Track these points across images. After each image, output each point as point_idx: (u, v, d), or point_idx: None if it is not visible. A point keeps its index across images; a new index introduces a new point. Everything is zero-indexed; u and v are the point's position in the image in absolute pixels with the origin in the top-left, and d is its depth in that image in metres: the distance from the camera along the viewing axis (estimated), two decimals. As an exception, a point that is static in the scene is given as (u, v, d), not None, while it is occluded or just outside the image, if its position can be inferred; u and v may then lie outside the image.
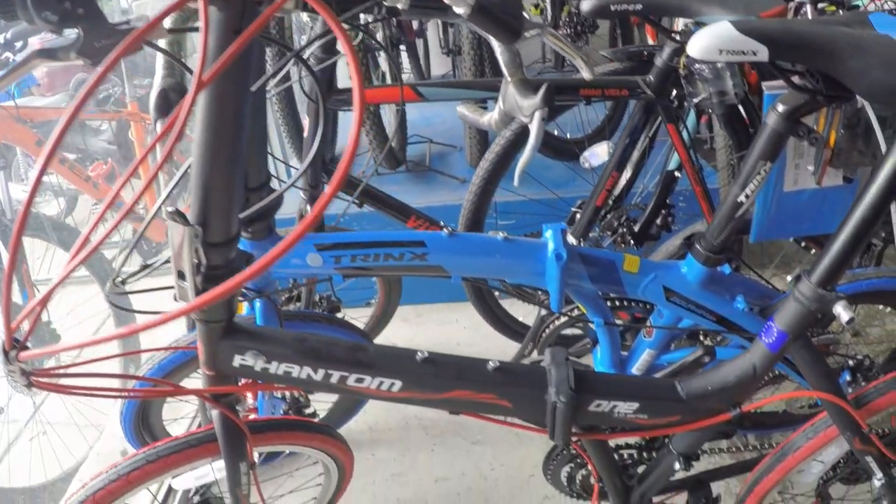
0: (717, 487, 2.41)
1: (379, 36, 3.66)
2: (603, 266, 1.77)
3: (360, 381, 1.37)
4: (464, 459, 2.79)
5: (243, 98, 1.08)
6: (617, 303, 2.21)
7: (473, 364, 1.45)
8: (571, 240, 2.52)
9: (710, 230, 1.74)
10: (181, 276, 1.19)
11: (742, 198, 1.65)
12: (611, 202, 2.63)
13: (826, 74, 1.43)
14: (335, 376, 1.36)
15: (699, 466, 2.20)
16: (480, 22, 1.43)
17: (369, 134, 3.41)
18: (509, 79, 1.68)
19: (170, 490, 2.17)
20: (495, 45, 1.66)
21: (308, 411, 2.44)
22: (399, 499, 2.65)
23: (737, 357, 1.54)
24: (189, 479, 1.78)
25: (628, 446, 2.00)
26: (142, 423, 2.28)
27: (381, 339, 3.15)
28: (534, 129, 1.63)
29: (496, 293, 2.97)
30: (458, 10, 1.38)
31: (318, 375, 1.36)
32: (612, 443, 1.96)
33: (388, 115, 3.88)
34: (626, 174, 2.61)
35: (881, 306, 3.07)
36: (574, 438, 1.67)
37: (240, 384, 1.45)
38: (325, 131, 2.30)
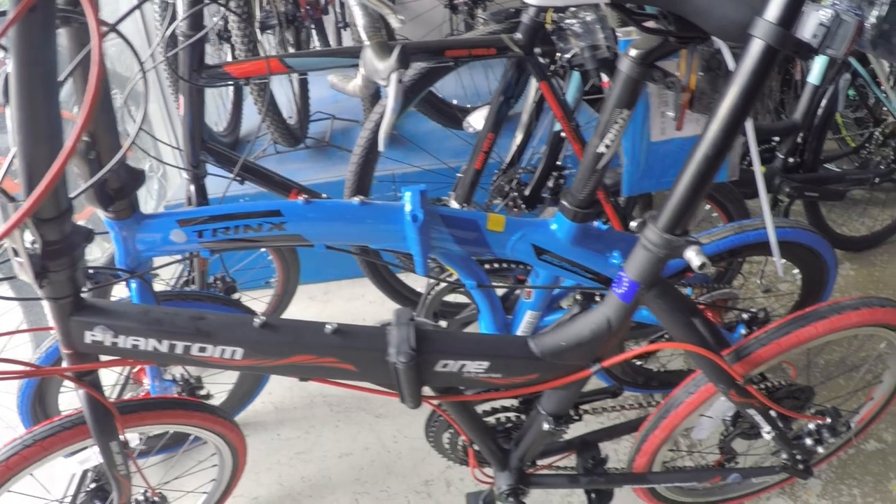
0: (610, 448, 2.42)
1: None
2: (465, 226, 1.72)
3: (203, 350, 1.35)
4: (367, 433, 2.77)
5: (49, 76, 1.05)
6: (496, 265, 2.19)
7: (311, 328, 1.42)
8: (454, 205, 2.51)
9: (574, 184, 1.73)
10: (16, 252, 1.17)
11: (602, 148, 1.62)
12: (506, 166, 2.62)
13: (677, 15, 1.42)
14: (179, 347, 1.34)
15: (588, 427, 2.21)
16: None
17: (262, 113, 3.36)
18: (367, 42, 1.66)
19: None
20: (355, 9, 1.64)
21: (202, 393, 2.42)
22: (304, 477, 2.62)
23: (591, 311, 1.52)
24: (76, 462, 1.77)
25: (505, 409, 1.98)
26: (39, 407, 2.26)
27: (287, 317, 3.10)
28: (391, 91, 1.61)
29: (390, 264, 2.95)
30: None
31: (164, 347, 1.34)
32: (488, 406, 1.95)
33: (290, 92, 3.83)
34: (518, 136, 2.59)
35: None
36: (437, 402, 1.65)
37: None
38: (198, 109, 2.27)
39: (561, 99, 2.40)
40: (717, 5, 1.24)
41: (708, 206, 2.67)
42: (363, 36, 1.66)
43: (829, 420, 1.98)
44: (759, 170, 1.56)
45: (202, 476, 2.27)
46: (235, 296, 2.85)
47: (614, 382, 2.44)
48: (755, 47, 1.15)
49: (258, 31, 3.55)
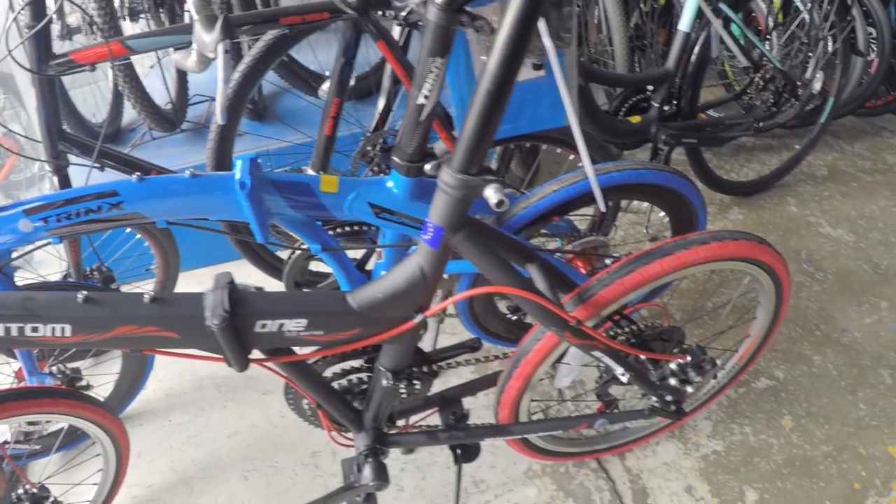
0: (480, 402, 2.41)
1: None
2: (297, 190, 1.69)
3: (35, 330, 1.32)
4: (254, 411, 2.76)
5: None
6: (352, 228, 2.16)
7: (131, 298, 1.39)
8: (310, 173, 2.47)
9: (401, 139, 1.70)
10: None
11: (421, 99, 1.59)
12: (371, 131, 2.58)
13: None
14: (13, 329, 1.31)
15: (449, 383, 2.19)
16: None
17: (129, 99, 3.30)
18: (195, 17, 1.62)
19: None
20: None
21: (82, 384, 2.41)
22: (195, 459, 2.60)
23: (404, 261, 1.50)
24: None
25: (355, 370, 1.96)
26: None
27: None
28: (219, 62, 1.58)
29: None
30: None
31: (0, 330, 1.31)
32: (338, 367, 1.93)
33: (165, 76, 3.77)
34: (381, 102, 2.56)
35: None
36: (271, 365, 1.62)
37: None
38: (51, 100, 2.22)
39: (401, 57, 2.36)
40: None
41: (571, 157, 2.65)
42: (192, 10, 1.62)
43: (689, 358, 1.97)
44: (569, 105, 1.52)
45: (90, 468, 2.27)
46: (114, 286, 2.81)
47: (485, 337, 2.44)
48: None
49: (127, 18, 3.47)
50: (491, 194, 1.33)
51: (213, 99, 3.89)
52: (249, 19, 2.23)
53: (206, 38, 1.61)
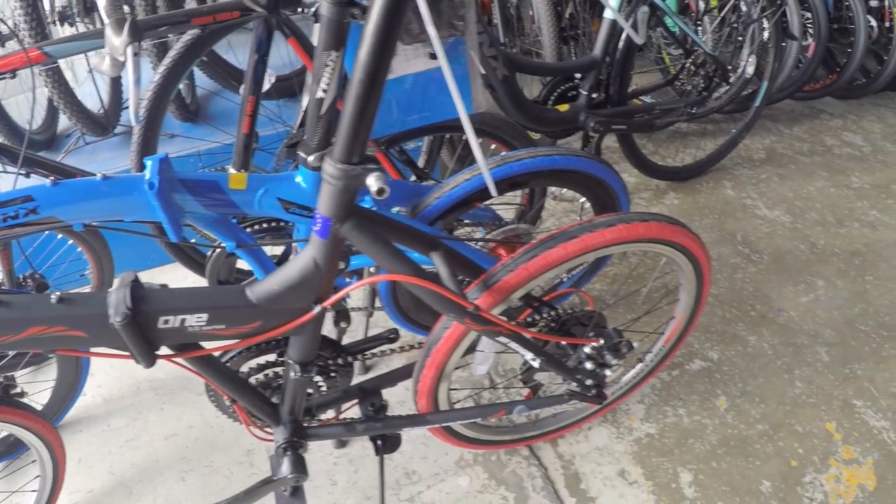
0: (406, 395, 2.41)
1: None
2: (207, 189, 1.69)
3: None
4: (191, 412, 2.75)
5: None
6: (265, 224, 2.17)
7: (38, 299, 1.40)
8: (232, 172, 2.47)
9: (306, 134, 1.71)
10: None
11: (320, 93, 1.60)
12: (296, 128, 2.58)
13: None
14: None
15: (368, 375, 2.20)
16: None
17: (59, 104, 3.28)
18: (106, 21, 1.62)
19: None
20: None
21: (16, 391, 2.38)
22: (133, 463, 2.59)
23: (300, 253, 1.50)
24: None
25: (272, 364, 1.97)
26: None
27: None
28: (128, 65, 1.58)
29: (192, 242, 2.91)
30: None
31: None
32: (254, 363, 1.93)
33: (101, 80, 3.75)
34: (305, 99, 2.55)
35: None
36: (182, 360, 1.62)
37: None
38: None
39: (312, 52, 2.37)
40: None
41: (493, 146, 2.66)
42: (103, 15, 1.62)
43: (602, 341, 1.98)
44: (457, 96, 1.52)
45: (29, 474, 2.28)
46: (48, 291, 2.79)
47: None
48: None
49: (57, 23, 3.46)
50: (372, 182, 1.34)
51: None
52: (159, 21, 2.23)
53: (116, 41, 1.61)
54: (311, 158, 1.59)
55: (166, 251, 2.93)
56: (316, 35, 2.38)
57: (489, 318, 1.65)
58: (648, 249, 1.91)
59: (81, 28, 3.65)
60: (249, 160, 2.49)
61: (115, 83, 3.82)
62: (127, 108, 3.82)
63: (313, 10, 2.18)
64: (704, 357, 2.73)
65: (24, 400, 2.28)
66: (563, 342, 1.99)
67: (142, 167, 2.38)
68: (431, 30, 1.42)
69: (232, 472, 2.50)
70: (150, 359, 1.48)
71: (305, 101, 2.44)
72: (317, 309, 1.52)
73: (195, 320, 1.47)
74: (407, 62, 1.73)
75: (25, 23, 3.01)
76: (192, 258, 2.96)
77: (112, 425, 2.76)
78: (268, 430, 1.99)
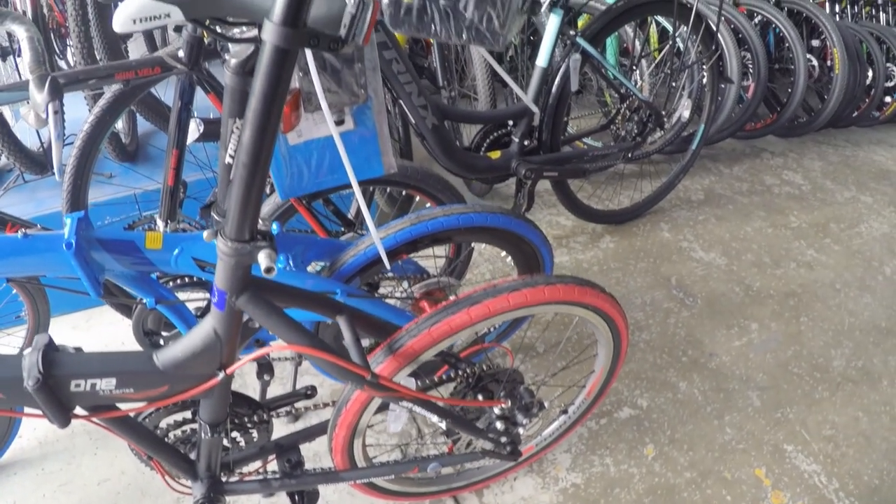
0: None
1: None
2: (123, 248, 1.72)
3: None
4: (123, 457, 2.75)
5: None
6: (188, 278, 2.18)
7: None
8: (161, 224, 2.49)
9: (217, 197, 1.73)
10: None
11: (228, 159, 1.63)
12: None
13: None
14: None
15: (288, 430, 2.21)
16: None
17: (-2, 145, 3.29)
18: (30, 76, 1.63)
19: None
20: (23, 43, 1.62)
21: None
22: (66, 508, 2.59)
23: (200, 322, 1.52)
24: None
25: (188, 421, 1.98)
26: None
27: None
28: (50, 122, 1.60)
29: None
30: None
31: None
32: (172, 419, 1.95)
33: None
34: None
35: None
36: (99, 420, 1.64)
37: None
38: None
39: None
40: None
41: (418, 198, 2.68)
42: (26, 70, 1.64)
43: (509, 403, 2.00)
44: (349, 168, 1.56)
45: None
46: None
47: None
48: (266, 51, 1.15)
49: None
50: (262, 260, 1.36)
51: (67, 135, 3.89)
52: (81, 76, 2.25)
53: (38, 98, 1.63)
54: (205, 234, 1.61)
55: (104, 300, 2.94)
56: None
57: (389, 386, 1.67)
58: (559, 311, 1.91)
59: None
60: (176, 210, 2.50)
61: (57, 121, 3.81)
62: (68, 144, 3.83)
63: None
64: (633, 405, 2.76)
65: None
66: (469, 405, 2.01)
67: (75, 210, 2.40)
68: (324, 104, 1.46)
69: (160, 521, 2.49)
70: (63, 419, 1.51)
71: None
72: (221, 375, 1.54)
73: (105, 384, 1.50)
74: (315, 126, 1.75)
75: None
76: (124, 305, 2.97)
77: (46, 469, 2.75)
78: (186, 482, 2.00)
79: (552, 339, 3.08)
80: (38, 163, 3.51)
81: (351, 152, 1.89)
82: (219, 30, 1.52)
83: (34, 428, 2.83)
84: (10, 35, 3.57)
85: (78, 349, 1.55)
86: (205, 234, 1.49)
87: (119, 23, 1.38)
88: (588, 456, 2.57)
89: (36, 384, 1.41)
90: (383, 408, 1.96)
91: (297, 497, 2.07)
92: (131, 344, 3.08)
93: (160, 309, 1.98)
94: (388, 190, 3.28)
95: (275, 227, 1.86)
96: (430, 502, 2.45)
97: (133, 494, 2.59)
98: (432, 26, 1.25)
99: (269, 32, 1.13)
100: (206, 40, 2.21)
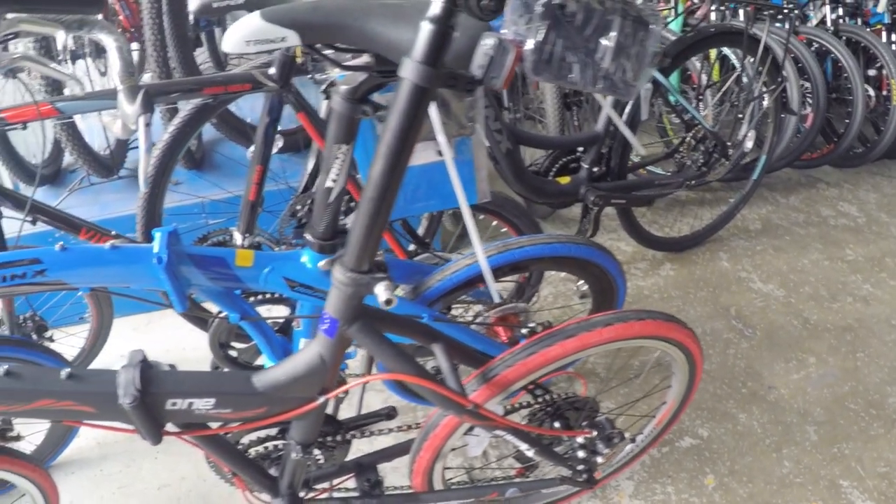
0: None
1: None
2: (213, 264, 1.73)
3: None
4: (185, 464, 2.76)
5: None
6: (268, 295, 2.20)
7: (48, 374, 1.44)
8: (238, 237, 2.50)
9: (313, 218, 1.74)
10: None
11: (329, 183, 1.64)
12: (300, 191, 2.61)
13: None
14: None
15: (365, 449, 2.22)
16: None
17: (67, 147, 3.31)
18: (119, 86, 1.64)
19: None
20: (109, 52, 1.63)
21: (12, 434, 2.40)
22: (125, 512, 2.60)
23: (306, 347, 1.54)
24: None
25: (271, 438, 2.00)
26: None
27: (110, 351, 3.12)
28: (140, 135, 1.61)
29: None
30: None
31: None
32: (254, 435, 1.96)
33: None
34: (310, 163, 2.59)
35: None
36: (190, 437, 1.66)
37: None
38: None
39: (321, 127, 2.39)
40: (404, 41, 1.25)
41: (495, 223, 2.70)
42: (115, 80, 1.65)
43: (595, 433, 2.01)
44: (461, 196, 1.57)
45: None
46: (48, 333, 2.83)
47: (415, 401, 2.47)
48: (404, 87, 1.16)
49: (68, 60, 3.49)
50: (380, 292, 1.38)
51: (152, 145, 3.90)
52: (172, 89, 2.27)
53: (128, 109, 1.64)
54: (321, 263, 1.62)
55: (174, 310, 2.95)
56: (324, 107, 2.43)
57: (487, 415, 1.68)
58: (643, 345, 1.93)
59: (91, 66, 3.69)
60: (254, 224, 2.52)
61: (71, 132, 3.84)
62: (133, 148, 3.86)
63: (324, 86, 2.22)
64: (694, 434, 2.75)
65: (22, 442, 2.32)
66: (560, 434, 2.01)
67: (148, 224, 2.42)
68: (441, 138, 1.47)
69: (223, 530, 2.50)
70: (156, 436, 1.53)
71: (311, 164, 2.48)
72: (321, 399, 1.55)
73: (202, 404, 1.51)
74: (415, 154, 1.77)
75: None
76: (196, 316, 2.98)
77: (105, 470, 2.77)
78: (264, 498, 2.01)
79: (613, 364, 3.09)
80: (105, 166, 3.53)
81: (443, 180, 1.90)
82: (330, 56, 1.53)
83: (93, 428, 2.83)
84: (78, 39, 3.60)
85: (172, 366, 1.56)
86: (321, 263, 1.51)
87: (231, 44, 1.39)
88: (650, 484, 2.57)
89: (133, 402, 1.42)
90: (467, 432, 1.97)
91: (372, 516, 2.08)
92: (191, 349, 3.13)
93: (242, 325, 1.99)
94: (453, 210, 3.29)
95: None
96: (495, 527, 2.46)
97: (194, 501, 2.61)
98: (570, 75, 1.26)
99: (410, 70, 1.14)
100: (298, 60, 2.23)
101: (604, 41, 1.26)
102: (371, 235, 1.32)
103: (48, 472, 2.04)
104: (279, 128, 2.45)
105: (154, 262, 1.63)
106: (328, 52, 1.63)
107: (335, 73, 2.00)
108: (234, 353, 2.42)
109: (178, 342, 3.34)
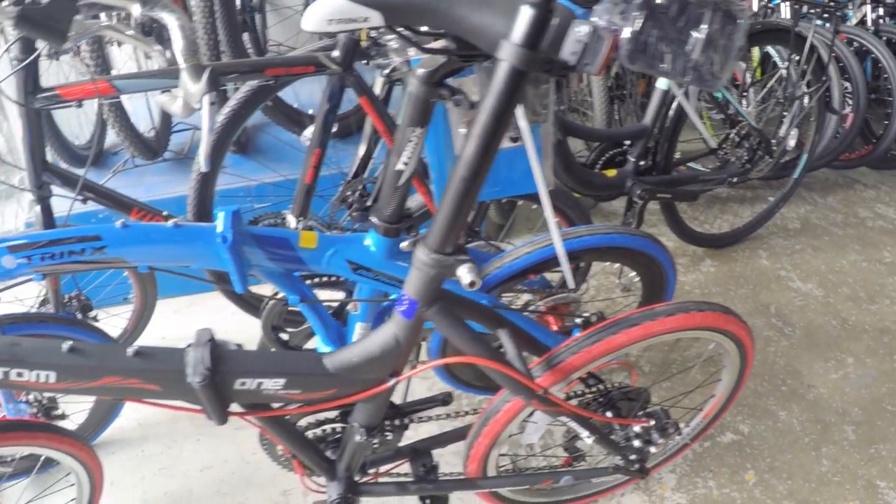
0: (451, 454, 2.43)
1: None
2: (277, 245, 1.74)
3: (20, 375, 1.36)
4: (227, 446, 2.77)
5: None
6: (325, 278, 2.20)
7: (115, 351, 1.44)
8: (291, 220, 2.51)
9: (379, 201, 1.75)
10: None
11: (400, 166, 1.65)
12: (350, 177, 2.62)
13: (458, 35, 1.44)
14: None
15: (420, 434, 2.23)
16: (25, 29, 1.39)
17: (114, 127, 3.32)
18: (183, 65, 1.64)
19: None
20: (173, 32, 1.63)
21: (57, 413, 2.44)
22: (167, 492, 2.61)
23: (380, 328, 1.54)
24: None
25: (329, 420, 1.99)
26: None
27: (152, 332, 3.14)
28: (204, 114, 1.60)
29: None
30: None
31: None
32: (312, 418, 1.96)
33: (149, 103, 3.79)
34: (362, 148, 2.60)
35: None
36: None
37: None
38: (37, 131, 2.25)
39: (383, 113, 2.40)
40: (489, 24, 1.25)
41: (521, 203, 2.70)
42: (178, 59, 1.65)
43: (653, 422, 2.01)
44: (541, 182, 1.58)
45: (63, 497, 2.27)
46: (92, 313, 2.84)
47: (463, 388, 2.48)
48: (502, 69, 1.17)
49: (115, 43, 3.50)
50: (464, 274, 1.38)
51: (196, 128, 3.92)
52: (236, 69, 2.28)
53: (192, 88, 1.63)
54: (404, 244, 1.63)
55: (216, 287, 2.96)
56: (379, 86, 2.43)
57: (556, 402, 1.69)
58: (700, 336, 1.95)
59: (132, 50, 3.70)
60: (309, 208, 2.52)
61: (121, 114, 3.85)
62: (177, 132, 3.87)
63: (387, 70, 2.22)
64: (736, 430, 2.75)
65: (64, 421, 2.33)
66: (622, 423, 2.02)
67: (200, 206, 2.43)
68: (524, 124, 1.47)
69: (267, 511, 2.51)
70: (222, 416, 1.53)
71: (363, 149, 2.48)
72: (391, 381, 1.56)
73: (272, 384, 1.51)
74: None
75: (87, 45, 3.05)
76: (244, 297, 2.99)
77: (146, 451, 2.78)
78: (319, 481, 2.02)
79: (654, 358, 3.09)
80: (150, 148, 3.54)
81: (512, 167, 1.91)
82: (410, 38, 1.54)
83: (134, 408, 2.83)
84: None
85: (239, 346, 1.56)
86: (403, 244, 1.51)
87: (312, 22, 1.40)
88: (692, 477, 2.57)
89: (203, 380, 1.43)
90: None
91: (427, 501, 2.08)
92: (234, 333, 3.12)
93: (301, 307, 2.00)
94: (503, 201, 3.29)
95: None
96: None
97: (237, 483, 2.61)
98: (661, 65, 1.27)
99: (509, 53, 1.15)
100: (362, 43, 2.23)
101: (695, 33, 1.26)
102: (459, 217, 1.32)
103: (94, 450, 2.05)
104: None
105: (218, 242, 1.64)
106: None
107: (397, 58, 2.01)
108: (285, 337, 2.42)
109: (221, 325, 3.35)
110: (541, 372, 1.76)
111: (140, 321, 3.06)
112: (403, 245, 1.57)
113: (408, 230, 1.83)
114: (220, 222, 1.65)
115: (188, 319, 3.44)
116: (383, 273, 1.84)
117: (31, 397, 2.38)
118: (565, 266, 1.83)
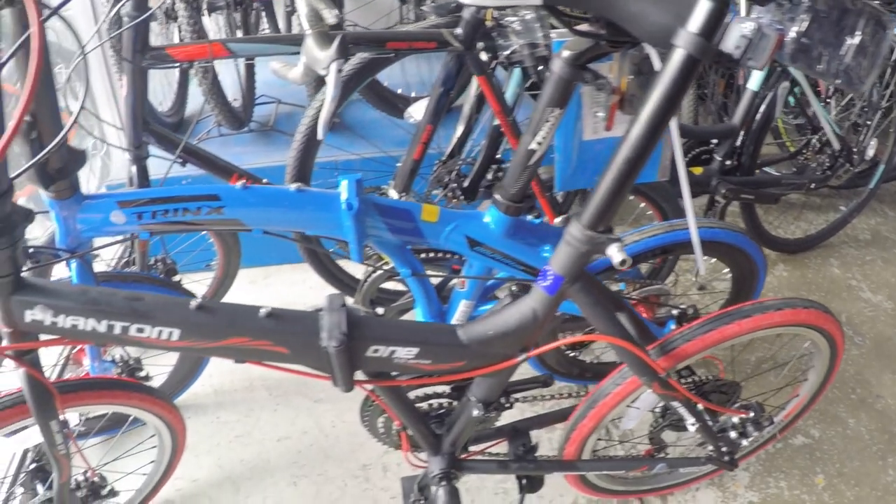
0: (540, 435, 2.45)
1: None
2: (400, 216, 1.77)
3: (140, 331, 1.35)
4: (305, 417, 2.79)
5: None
6: (431, 254, 2.22)
7: (246, 311, 1.44)
8: (393, 194, 2.54)
9: (506, 179, 1.77)
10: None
11: (534, 145, 1.67)
12: (446, 157, 2.64)
13: (609, 20, 1.46)
14: (117, 327, 1.34)
15: (518, 415, 2.25)
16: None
17: (206, 95, 3.35)
18: (308, 31, 1.67)
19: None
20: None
21: (141, 374, 2.44)
22: (242, 459, 2.64)
23: (517, 301, 1.55)
24: (15, 442, 1.77)
25: (438, 395, 2.02)
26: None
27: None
28: (330, 81, 1.62)
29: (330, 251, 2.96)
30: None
31: (103, 327, 1.34)
32: (421, 391, 1.99)
33: (235, 74, 3.83)
34: (460, 128, 2.62)
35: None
36: (370, 386, 1.67)
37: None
38: (141, 90, 2.27)
39: (499, 94, 2.42)
40: (648, 13, 1.27)
41: (643, 205, 2.71)
42: (304, 25, 1.67)
43: (752, 414, 2.04)
44: (683, 172, 1.60)
45: (142, 458, 2.27)
46: (176, 278, 2.86)
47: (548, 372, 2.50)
48: (677, 56, 1.19)
49: (206, 11, 3.53)
50: (615, 253, 1.40)
51: (279, 101, 3.96)
52: (363, 39, 2.29)
53: (320, 54, 1.65)
54: (557, 220, 1.65)
55: (304, 257, 2.98)
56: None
57: (675, 386, 1.72)
58: (799, 332, 2.00)
59: (221, 20, 3.73)
60: (412, 184, 2.55)
61: (250, 79, 3.87)
62: (261, 104, 3.89)
63: (507, 52, 2.24)
64: (807, 434, 2.77)
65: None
66: (721, 412, 2.04)
67: (300, 174, 2.46)
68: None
69: (346, 485, 2.54)
70: (350, 383, 1.53)
71: (461, 129, 2.50)
72: (522, 357, 1.57)
73: (405, 353, 1.52)
74: (614, 126, 1.80)
75: (185, 10, 3.08)
76: (328, 268, 3.01)
77: (222, 418, 2.81)
78: (420, 456, 2.04)
79: (737, 358, 3.10)
80: (237, 117, 3.57)
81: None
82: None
83: (209, 375, 2.87)
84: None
85: (369, 312, 1.58)
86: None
87: (480, -2, 1.41)
88: (764, 477, 2.59)
89: (339, 345, 1.42)
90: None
91: (523, 481, 2.11)
92: (310, 305, 3.13)
93: (409, 281, 2.02)
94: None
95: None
96: (617, 501, 2.49)
97: (315, 455, 2.64)
98: (818, 66, 1.30)
99: (685, 41, 1.17)
100: (487, 23, 2.25)
101: (849, 39, 1.29)
102: (618, 196, 1.34)
103: (180, 412, 2.08)
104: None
105: (343, 209, 1.66)
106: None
107: (517, 42, 2.04)
108: (380, 311, 2.44)
109: (297, 298, 3.38)
110: (655, 356, 1.78)
111: (220, 289, 3.08)
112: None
113: (528, 210, 1.84)
114: (345, 189, 1.67)
115: (264, 291, 3.47)
116: (499, 251, 1.86)
117: (116, 356, 2.39)
118: (698, 253, 1.85)
